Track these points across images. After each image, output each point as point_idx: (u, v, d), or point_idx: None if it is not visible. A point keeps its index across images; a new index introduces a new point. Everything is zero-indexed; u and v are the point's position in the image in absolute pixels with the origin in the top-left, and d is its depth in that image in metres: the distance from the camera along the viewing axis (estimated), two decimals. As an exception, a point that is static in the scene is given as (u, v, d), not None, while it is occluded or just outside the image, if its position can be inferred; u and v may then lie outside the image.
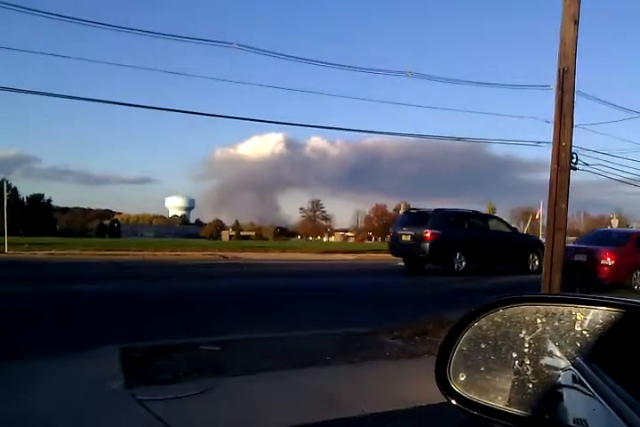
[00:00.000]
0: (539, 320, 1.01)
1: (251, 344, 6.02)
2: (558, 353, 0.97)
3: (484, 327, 1.06)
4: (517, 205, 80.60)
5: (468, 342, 1.07)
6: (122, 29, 13.98)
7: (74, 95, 14.94)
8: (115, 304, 9.41)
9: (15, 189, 65.99)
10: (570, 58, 8.23)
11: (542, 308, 1.02)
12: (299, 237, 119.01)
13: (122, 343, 5.63)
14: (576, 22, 8.25)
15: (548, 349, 0.98)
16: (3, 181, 39.65)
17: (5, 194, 26.90)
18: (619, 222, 47.45)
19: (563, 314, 0.99)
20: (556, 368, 0.97)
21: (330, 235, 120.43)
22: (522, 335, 1.02)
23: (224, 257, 24.35)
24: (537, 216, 52.19)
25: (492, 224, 18.97)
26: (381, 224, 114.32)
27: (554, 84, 8.55)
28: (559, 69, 8.22)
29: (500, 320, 1.05)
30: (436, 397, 1.11)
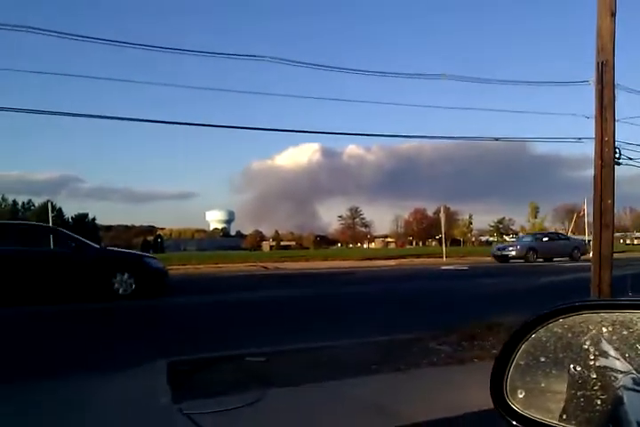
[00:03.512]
0: (604, 329, 0.91)
1: (296, 354, 5.95)
2: (629, 366, 0.87)
3: (544, 339, 0.97)
4: (560, 203, 78.93)
5: (525, 355, 0.97)
6: (152, 49, 14.13)
7: (116, 116, 15.21)
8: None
9: (60, 209, 67.82)
10: (608, 51, 7.99)
11: (607, 315, 0.92)
12: (339, 244, 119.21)
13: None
14: (613, 14, 8.02)
15: (617, 362, 0.88)
16: (48, 202, 40.72)
17: (50, 215, 27.62)
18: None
19: (632, 322, 0.89)
20: (627, 383, 0.87)
21: (370, 241, 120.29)
22: (586, 347, 0.92)
23: (265, 268, 24.41)
24: (581, 213, 51.11)
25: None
26: (421, 228, 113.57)
27: (592, 78, 8.34)
28: (597, 63, 7.98)
29: (560, 331, 0.95)
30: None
